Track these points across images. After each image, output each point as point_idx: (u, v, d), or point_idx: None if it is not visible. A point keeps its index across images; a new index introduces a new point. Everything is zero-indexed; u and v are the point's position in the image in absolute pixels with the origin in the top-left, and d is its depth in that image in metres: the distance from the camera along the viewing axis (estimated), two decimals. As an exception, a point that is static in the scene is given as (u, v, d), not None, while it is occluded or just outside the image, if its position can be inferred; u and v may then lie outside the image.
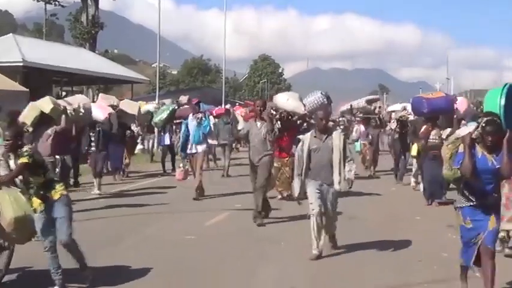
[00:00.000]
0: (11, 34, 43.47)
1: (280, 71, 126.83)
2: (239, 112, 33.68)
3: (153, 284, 8.63)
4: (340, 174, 9.80)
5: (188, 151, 16.31)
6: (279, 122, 14.93)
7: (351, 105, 26.50)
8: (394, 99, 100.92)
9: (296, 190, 10.26)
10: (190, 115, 16.54)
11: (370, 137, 22.93)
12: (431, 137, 15.84)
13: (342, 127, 25.55)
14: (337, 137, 10.03)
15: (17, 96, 24.09)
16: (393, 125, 21.55)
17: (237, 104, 65.09)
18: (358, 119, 25.57)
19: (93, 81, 46.61)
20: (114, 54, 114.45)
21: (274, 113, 15.23)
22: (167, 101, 43.63)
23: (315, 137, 10.09)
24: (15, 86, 27.72)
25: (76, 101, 15.46)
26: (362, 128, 24.07)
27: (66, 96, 37.98)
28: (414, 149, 17.46)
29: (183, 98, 24.98)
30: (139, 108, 22.80)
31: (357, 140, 24.54)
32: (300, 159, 10.05)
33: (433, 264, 9.61)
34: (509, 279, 8.49)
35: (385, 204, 16.36)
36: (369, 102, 25.51)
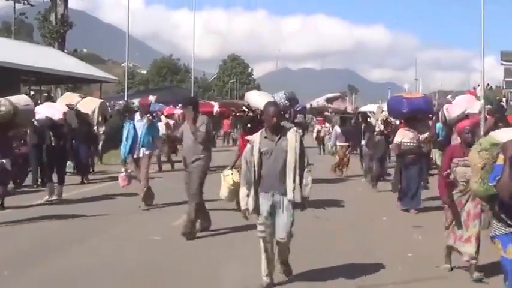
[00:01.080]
0: (-21, 33, 43.29)
1: (249, 71, 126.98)
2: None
3: (117, 284, 8.57)
4: (294, 181, 8.00)
5: (135, 155, 14.82)
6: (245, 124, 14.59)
7: (311, 105, 26.21)
8: (362, 100, 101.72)
9: (244, 203, 8.19)
10: (138, 115, 15.24)
11: (364, 141, 20.63)
12: (407, 140, 14.90)
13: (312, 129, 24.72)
14: (292, 137, 8.17)
15: (-15, 95, 24.11)
16: (381, 126, 19.78)
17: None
18: (320, 118, 25.41)
19: (61, 80, 46.51)
20: (83, 54, 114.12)
21: (246, 110, 15.31)
22: (136, 101, 43.83)
23: (265, 137, 8.21)
24: (-17, 85, 27.68)
25: (20, 101, 13.90)
26: (338, 129, 23.28)
27: (34, 96, 37.98)
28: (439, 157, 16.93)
29: (152, 98, 25.41)
30: (98, 107, 22.04)
31: (333, 143, 23.69)
32: (249, 165, 8.17)
33: (398, 264, 9.51)
34: None
35: (351, 204, 15.95)
36: (329, 100, 24.56)
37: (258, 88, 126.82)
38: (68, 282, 8.50)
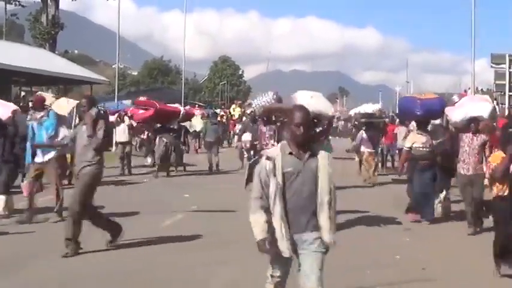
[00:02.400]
0: (-31, 34, 43.26)
1: (240, 72, 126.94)
2: (197, 113, 34.29)
3: (106, 285, 8.54)
4: (330, 217, 5.93)
5: (36, 160, 12.99)
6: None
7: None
8: (353, 102, 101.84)
9: (259, 230, 5.92)
10: (30, 113, 13.73)
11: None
12: (419, 144, 13.72)
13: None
14: (324, 156, 6.06)
15: (-24, 96, 24.06)
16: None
17: (197, 105, 65.34)
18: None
19: (52, 81, 46.49)
20: (74, 55, 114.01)
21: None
22: (127, 102, 43.85)
23: (290, 154, 6.01)
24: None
25: None
26: (364, 134, 21.92)
27: (25, 96, 37.95)
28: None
29: (143, 99, 25.71)
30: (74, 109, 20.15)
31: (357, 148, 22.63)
32: (266, 189, 5.93)
33: (387, 266, 9.57)
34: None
35: (342, 205, 15.68)
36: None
37: (248, 90, 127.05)
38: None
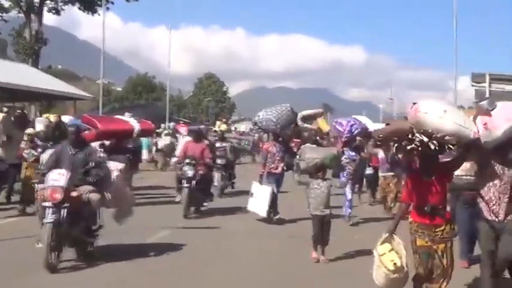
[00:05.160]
0: (-49, 49, 43.02)
1: (224, 89, 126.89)
2: (183, 130, 34.03)
3: None
4: None
5: None
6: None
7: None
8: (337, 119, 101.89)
9: None
10: None
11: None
12: (463, 171, 9.96)
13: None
14: None
15: (-43, 111, 23.82)
16: None
17: (181, 122, 65.31)
18: (297, 140, 21.63)
19: (35, 97, 46.26)
20: (57, 70, 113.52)
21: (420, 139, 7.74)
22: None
23: None
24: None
25: None
26: (381, 153, 17.81)
27: (8, 111, 37.70)
28: None
29: (127, 115, 25.00)
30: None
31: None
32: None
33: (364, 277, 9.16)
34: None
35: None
36: (307, 119, 21.45)
37: (233, 107, 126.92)
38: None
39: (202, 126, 35.12)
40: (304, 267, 11.12)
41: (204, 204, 18.11)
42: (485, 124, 8.51)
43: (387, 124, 8.47)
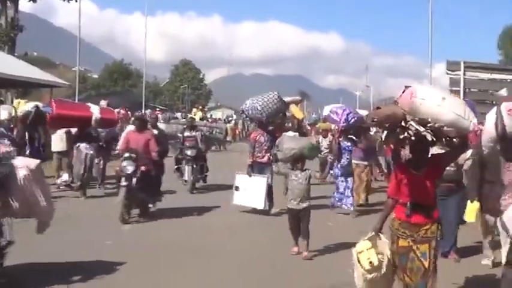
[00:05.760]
0: None
1: (201, 76, 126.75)
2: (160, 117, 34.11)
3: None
4: None
5: None
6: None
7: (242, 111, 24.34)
8: (313, 106, 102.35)
9: None
10: None
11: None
12: None
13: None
14: None
15: None
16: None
17: (157, 109, 65.39)
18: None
19: (11, 84, 46.13)
20: (33, 57, 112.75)
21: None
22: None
23: None
24: None
25: None
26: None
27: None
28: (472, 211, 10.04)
29: (103, 103, 24.92)
30: None
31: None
32: None
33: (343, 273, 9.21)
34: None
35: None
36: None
37: (209, 94, 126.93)
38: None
39: (148, 111, 32.89)
40: (293, 260, 11.08)
41: (150, 206, 15.69)
42: (509, 111, 8.66)
43: (378, 108, 7.51)
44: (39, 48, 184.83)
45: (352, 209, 16.04)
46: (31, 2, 53.94)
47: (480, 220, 10.17)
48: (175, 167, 21.14)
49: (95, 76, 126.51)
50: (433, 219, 7.12)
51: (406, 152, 7.61)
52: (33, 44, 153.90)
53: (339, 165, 16.44)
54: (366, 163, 17.91)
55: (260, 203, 15.70)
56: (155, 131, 17.21)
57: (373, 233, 7.33)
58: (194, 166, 20.45)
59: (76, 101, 45.47)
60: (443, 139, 7.18)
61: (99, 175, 19.97)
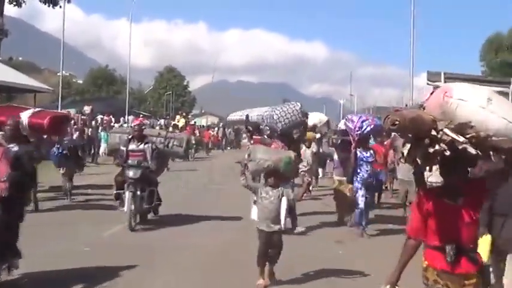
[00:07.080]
0: None
1: (185, 83, 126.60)
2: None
3: None
4: None
5: None
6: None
7: (247, 116, 24.37)
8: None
9: None
10: None
11: None
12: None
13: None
14: None
15: None
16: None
17: (141, 115, 65.44)
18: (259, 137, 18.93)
19: (-5, 89, 46.13)
20: (19, 62, 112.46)
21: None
22: (72, 111, 43.77)
23: None
24: None
25: None
26: (335, 156, 17.06)
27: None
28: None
29: (87, 108, 25.09)
30: None
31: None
32: None
33: (320, 281, 9.87)
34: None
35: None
36: None
37: (193, 101, 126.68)
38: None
39: (131, 117, 31.13)
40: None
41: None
42: None
43: (396, 110, 5.17)
44: (24, 53, 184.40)
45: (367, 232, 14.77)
46: (16, 6, 53.91)
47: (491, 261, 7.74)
48: (115, 192, 15.89)
49: (80, 81, 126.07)
50: (479, 266, 5.46)
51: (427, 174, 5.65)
52: (18, 49, 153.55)
53: (358, 179, 14.73)
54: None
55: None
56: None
57: (388, 287, 5.37)
58: (137, 193, 14.71)
59: (59, 106, 45.21)
60: (491, 153, 5.15)
61: (65, 185, 19.23)
